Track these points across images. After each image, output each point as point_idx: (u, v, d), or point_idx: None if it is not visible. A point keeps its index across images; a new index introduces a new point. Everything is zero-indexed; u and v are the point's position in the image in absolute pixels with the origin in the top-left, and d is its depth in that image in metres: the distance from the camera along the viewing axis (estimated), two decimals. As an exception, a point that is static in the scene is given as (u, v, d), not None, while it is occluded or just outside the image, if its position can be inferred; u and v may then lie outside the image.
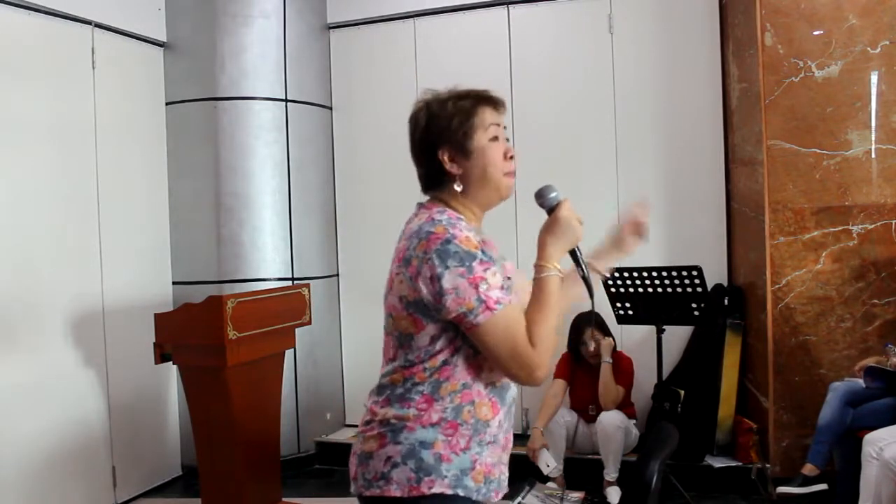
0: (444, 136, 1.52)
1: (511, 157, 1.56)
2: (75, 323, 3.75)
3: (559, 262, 1.50)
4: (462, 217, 1.53)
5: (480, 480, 1.50)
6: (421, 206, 1.57)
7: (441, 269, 1.40)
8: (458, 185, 1.53)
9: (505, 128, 1.57)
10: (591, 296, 1.59)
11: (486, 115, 1.53)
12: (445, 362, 1.47)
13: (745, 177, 4.04)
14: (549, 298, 1.46)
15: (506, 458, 1.60)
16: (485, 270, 1.41)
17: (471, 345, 1.45)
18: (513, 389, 1.58)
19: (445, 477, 1.45)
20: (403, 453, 1.45)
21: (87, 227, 3.88)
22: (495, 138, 1.53)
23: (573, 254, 1.57)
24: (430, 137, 1.53)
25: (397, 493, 1.44)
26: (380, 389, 1.53)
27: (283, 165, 4.48)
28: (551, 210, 1.56)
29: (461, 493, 1.46)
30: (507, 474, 1.61)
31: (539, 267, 1.49)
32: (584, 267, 1.58)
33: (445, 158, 1.52)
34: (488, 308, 1.39)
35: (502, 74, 4.54)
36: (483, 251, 1.44)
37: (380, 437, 1.48)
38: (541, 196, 1.57)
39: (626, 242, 1.77)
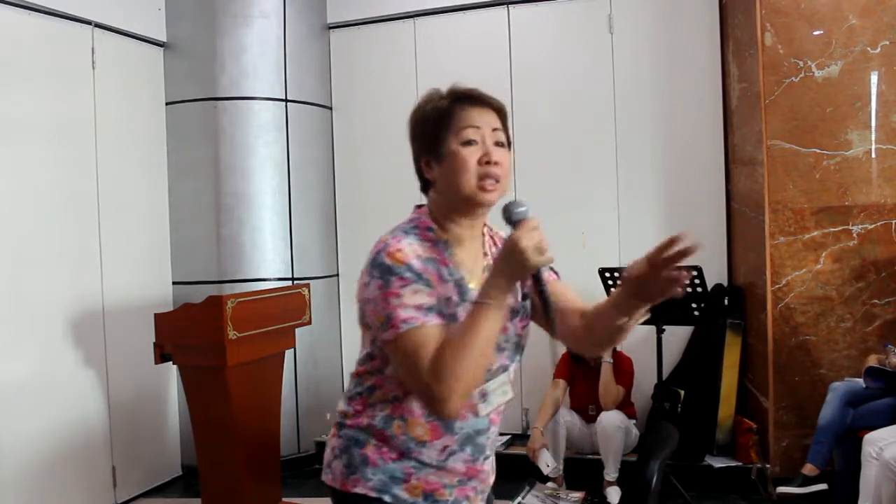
0: (422, 140, 1.45)
1: (489, 162, 1.38)
2: (75, 323, 3.75)
3: (504, 292, 1.31)
4: (433, 227, 1.43)
5: (417, 495, 1.43)
6: (416, 206, 1.54)
7: (368, 278, 1.37)
8: (434, 192, 1.46)
9: (497, 130, 1.42)
10: (553, 333, 1.43)
11: (463, 116, 1.40)
12: (379, 370, 1.44)
13: (745, 177, 4.04)
14: (473, 328, 1.29)
15: (478, 486, 1.51)
16: (402, 287, 1.32)
17: None
18: (481, 421, 1.46)
19: (370, 480, 1.42)
20: (341, 447, 1.47)
21: (87, 227, 3.88)
22: (469, 142, 1.39)
23: (535, 281, 1.38)
24: (414, 142, 1.48)
25: (333, 484, 1.48)
26: (349, 382, 1.55)
27: (283, 165, 4.48)
28: (515, 228, 1.34)
29: (387, 499, 1.42)
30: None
31: (480, 291, 1.33)
32: (546, 299, 1.38)
33: (423, 164, 1.46)
34: (392, 326, 1.32)
35: (502, 74, 4.54)
36: (410, 267, 1.33)
37: (334, 426, 1.52)
38: (506, 211, 1.35)
39: (652, 290, 1.29)
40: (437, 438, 1.43)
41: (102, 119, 3.97)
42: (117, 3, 4.07)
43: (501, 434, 4.41)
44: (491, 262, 1.49)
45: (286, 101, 4.50)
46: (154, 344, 3.36)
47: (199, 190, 4.37)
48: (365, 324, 1.43)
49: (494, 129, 1.42)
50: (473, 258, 1.48)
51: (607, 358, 3.86)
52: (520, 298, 1.52)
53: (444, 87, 1.49)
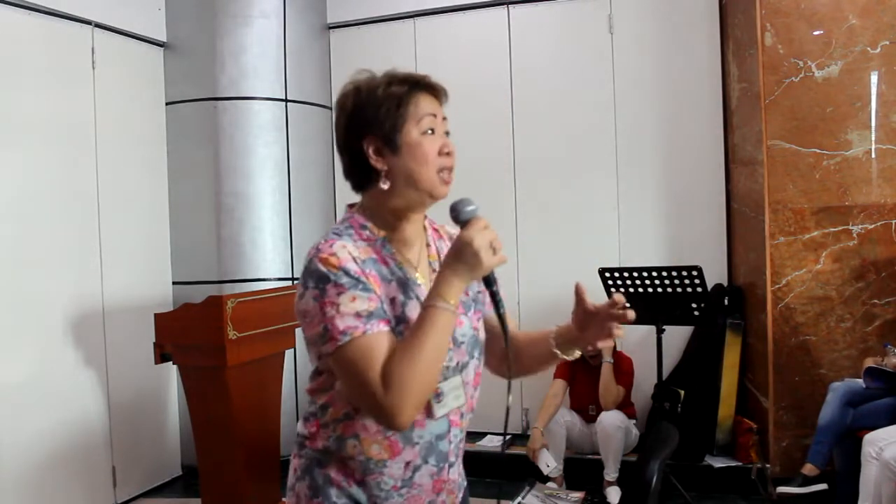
0: (371, 125, 1.31)
1: (448, 153, 1.33)
2: (75, 323, 3.75)
3: (456, 295, 1.24)
4: (367, 224, 1.35)
5: None
6: (348, 206, 1.42)
7: (302, 288, 1.27)
8: (385, 183, 1.31)
9: (445, 119, 1.36)
10: (506, 335, 1.34)
11: (421, 104, 1.32)
12: (330, 386, 1.33)
13: (745, 177, 4.04)
14: (426, 334, 1.21)
15: (447, 499, 1.40)
16: (338, 294, 1.22)
17: None
18: (435, 425, 1.34)
19: (335, 503, 1.32)
20: (302, 468, 1.37)
21: (87, 228, 3.88)
22: (430, 131, 1.32)
23: (487, 283, 1.32)
24: (355, 126, 1.33)
25: None
26: None
27: (283, 165, 4.48)
28: (463, 227, 1.28)
29: None
30: None
31: (429, 295, 1.25)
32: (498, 300, 1.32)
33: (370, 151, 1.31)
34: (332, 338, 1.22)
35: (502, 74, 4.54)
36: (346, 271, 1.24)
37: (296, 446, 1.42)
38: (454, 210, 1.29)
39: (588, 337, 1.39)
40: (398, 454, 1.31)
41: (102, 119, 3.97)
42: (117, 3, 4.07)
43: (502, 434, 4.41)
44: (434, 254, 1.42)
45: (286, 101, 4.51)
46: (154, 344, 3.36)
47: (199, 190, 4.37)
48: (310, 342, 1.31)
49: (444, 118, 1.37)
50: (416, 252, 1.39)
51: (608, 358, 3.86)
52: (470, 293, 1.42)
53: (381, 71, 1.41)
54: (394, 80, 1.36)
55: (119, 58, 4.11)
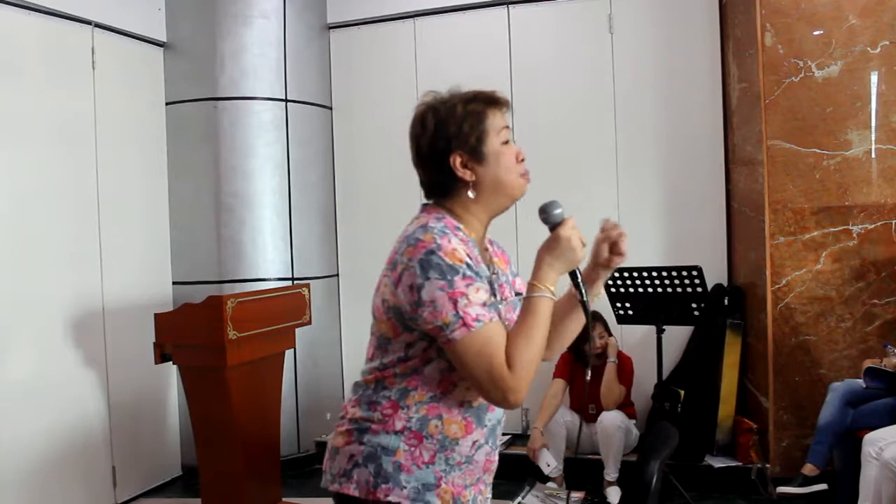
0: (456, 141, 1.45)
1: (523, 160, 1.51)
2: (75, 323, 3.75)
3: (554, 285, 1.42)
4: (460, 226, 1.47)
5: (448, 501, 1.44)
6: (424, 207, 1.53)
7: (421, 279, 1.35)
8: (472, 192, 1.47)
9: (511, 129, 1.54)
10: (588, 321, 1.52)
11: (497, 118, 1.48)
12: (416, 371, 1.43)
13: (745, 177, 4.04)
14: (536, 321, 1.38)
15: (487, 479, 1.54)
16: (467, 286, 1.35)
17: (446, 359, 1.39)
18: (497, 412, 1.50)
19: (404, 488, 1.41)
20: (365, 455, 1.43)
21: (87, 227, 3.88)
22: (507, 142, 1.48)
23: (573, 276, 1.49)
24: (439, 143, 1.46)
25: (355, 493, 1.43)
26: (355, 388, 1.51)
27: (283, 165, 4.48)
28: (554, 227, 1.47)
29: None
30: (487, 496, 1.55)
31: (531, 286, 1.42)
32: (583, 291, 1.49)
33: (458, 164, 1.45)
34: (465, 325, 1.33)
35: (502, 74, 4.54)
36: (469, 265, 1.37)
37: (347, 434, 1.47)
38: (544, 212, 1.48)
39: (605, 258, 1.56)
40: (470, 433, 1.45)
41: (102, 119, 3.97)
42: (117, 3, 4.07)
43: (502, 434, 4.41)
44: (490, 258, 1.57)
45: (286, 101, 4.51)
46: (154, 344, 3.36)
47: (199, 190, 4.37)
48: (400, 329, 1.41)
49: (511, 129, 1.53)
50: (484, 254, 1.54)
51: (613, 357, 3.86)
52: (514, 293, 1.58)
53: (444, 90, 1.52)
54: (469, 97, 1.49)
55: (119, 58, 4.11)
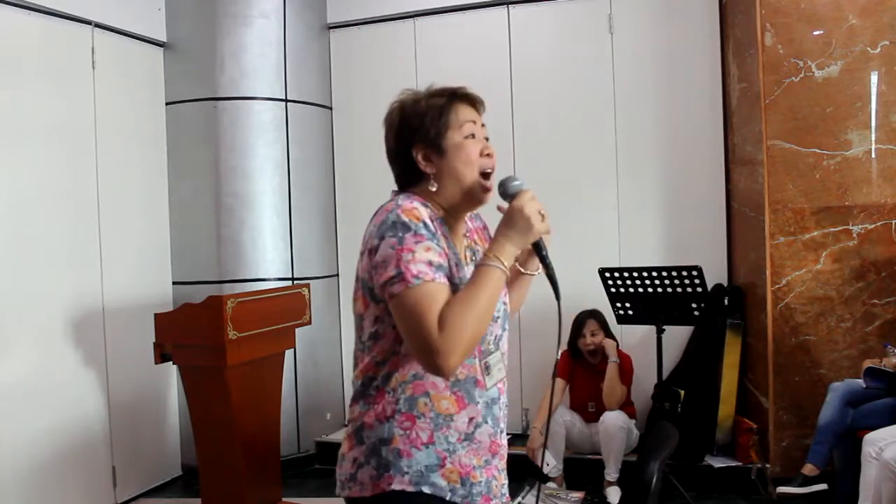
0: (418, 134, 1.47)
1: (489, 155, 1.49)
2: (75, 323, 3.76)
3: (509, 258, 1.40)
4: (428, 204, 1.47)
5: (455, 481, 1.42)
6: (393, 192, 1.55)
7: (377, 239, 1.38)
8: (433, 185, 1.48)
9: (484, 126, 1.53)
10: (558, 295, 1.49)
11: (461, 112, 1.49)
12: (393, 352, 1.42)
13: (745, 177, 4.04)
14: (480, 289, 1.35)
15: (499, 464, 1.52)
16: (416, 243, 1.35)
17: None
18: (492, 391, 1.48)
19: (406, 473, 1.40)
20: (366, 453, 1.43)
21: (87, 227, 3.88)
22: (471, 136, 1.48)
23: (536, 248, 1.49)
24: (403, 136, 1.49)
25: (362, 493, 1.43)
26: (353, 386, 1.51)
27: (283, 165, 4.48)
28: (512, 199, 1.45)
29: (426, 489, 1.40)
30: (503, 482, 1.53)
31: (484, 256, 1.41)
32: (548, 263, 1.50)
33: (419, 157, 1.48)
34: (403, 279, 1.33)
35: (502, 74, 4.54)
36: (426, 225, 1.37)
37: (349, 438, 1.47)
38: (502, 185, 1.49)
39: None
40: (463, 408, 1.44)
41: (102, 119, 3.97)
42: (117, 3, 4.07)
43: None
44: (471, 242, 1.58)
45: (286, 101, 4.51)
46: (154, 344, 3.36)
47: (199, 190, 4.37)
48: (367, 300, 1.42)
49: (483, 125, 1.53)
50: (459, 244, 1.54)
51: (614, 357, 3.85)
52: None
53: (426, 88, 1.54)
54: (434, 92, 1.52)
55: (119, 58, 4.11)
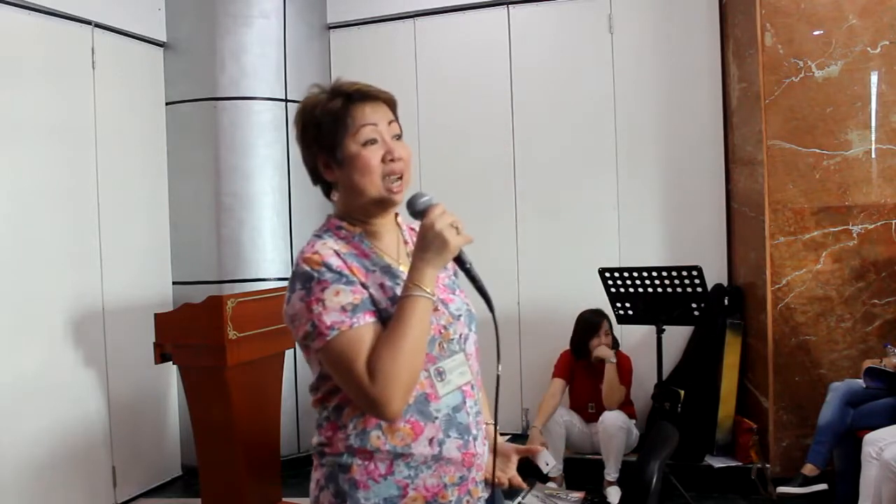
0: (316, 144, 1.39)
1: (394, 160, 1.36)
2: (75, 323, 3.75)
3: (430, 283, 1.29)
4: (343, 224, 1.41)
5: None
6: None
7: (289, 293, 1.32)
8: (335, 195, 1.42)
9: (393, 123, 1.39)
10: (490, 305, 1.34)
11: (358, 116, 1.36)
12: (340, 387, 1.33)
13: (745, 177, 4.04)
14: (405, 324, 1.26)
15: (476, 476, 1.40)
16: (322, 290, 1.27)
17: None
18: (448, 398, 1.36)
19: None
20: (326, 476, 1.35)
21: (87, 227, 3.88)
22: (371, 141, 1.36)
23: (459, 262, 1.37)
24: (305, 146, 1.42)
25: None
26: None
27: (283, 165, 4.48)
28: (422, 217, 1.33)
29: None
30: (479, 495, 1.42)
31: (404, 287, 1.30)
32: (475, 275, 1.37)
33: (321, 166, 1.40)
34: (320, 334, 1.26)
35: (502, 74, 4.54)
36: (328, 266, 1.29)
37: (314, 456, 1.40)
38: (410, 205, 1.35)
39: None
40: (421, 433, 1.32)
41: (102, 119, 3.97)
42: (117, 3, 4.07)
43: (501, 434, 4.41)
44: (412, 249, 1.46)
45: (286, 101, 4.50)
46: (154, 344, 3.36)
47: (199, 190, 4.37)
48: (303, 344, 1.34)
49: (390, 122, 1.40)
50: (394, 246, 1.44)
51: (611, 358, 3.85)
52: (448, 277, 1.49)
53: (327, 82, 1.44)
54: (332, 94, 1.39)
55: (119, 58, 4.11)
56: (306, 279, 1.29)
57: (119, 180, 4.06)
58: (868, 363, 3.35)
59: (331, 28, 4.91)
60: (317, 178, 1.45)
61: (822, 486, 3.32)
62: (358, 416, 1.33)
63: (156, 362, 3.39)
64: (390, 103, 1.42)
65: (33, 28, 3.61)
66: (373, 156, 1.36)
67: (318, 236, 1.39)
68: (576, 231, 4.39)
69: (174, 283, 4.43)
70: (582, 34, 4.47)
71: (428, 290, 1.28)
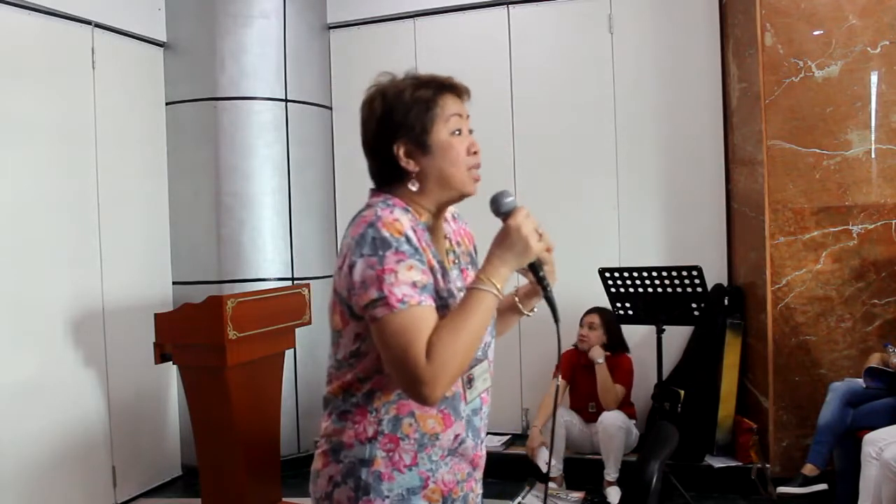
0: (401, 129, 1.35)
1: (475, 153, 1.39)
2: (75, 323, 3.75)
3: (502, 281, 1.30)
4: (409, 208, 1.36)
5: (437, 500, 1.36)
6: (372, 192, 1.43)
7: (355, 257, 1.27)
8: (414, 185, 1.37)
9: (468, 118, 1.41)
10: (556, 318, 1.40)
11: (448, 105, 1.36)
12: (377, 370, 1.33)
13: (745, 177, 4.04)
14: (470, 314, 1.26)
15: (477, 475, 1.46)
16: (398, 262, 1.25)
17: None
18: (475, 402, 1.41)
19: (386, 497, 1.32)
20: (343, 472, 1.34)
21: (87, 227, 3.88)
22: (458, 131, 1.37)
23: (533, 270, 1.39)
24: (384, 130, 1.36)
25: None
26: (325, 402, 1.42)
27: (283, 165, 4.48)
28: (506, 218, 1.35)
29: None
30: (479, 493, 1.48)
31: (477, 279, 1.30)
32: (546, 285, 1.40)
33: (401, 154, 1.35)
34: (388, 304, 1.23)
35: (502, 74, 4.54)
36: (408, 239, 1.27)
37: (324, 455, 1.39)
38: (495, 202, 1.37)
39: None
40: (450, 426, 1.36)
41: (102, 119, 3.97)
42: (117, 3, 4.07)
43: (502, 434, 4.42)
44: (450, 244, 1.48)
45: (286, 101, 4.50)
46: (154, 344, 3.36)
47: (199, 190, 4.37)
48: (347, 316, 1.33)
49: (468, 117, 1.41)
50: (442, 245, 1.45)
51: (599, 359, 3.84)
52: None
53: (402, 73, 1.44)
54: (420, 82, 1.39)
55: (119, 58, 4.11)
56: (383, 245, 1.25)
57: (119, 180, 4.06)
58: (874, 359, 3.34)
59: (331, 28, 4.91)
60: (388, 164, 1.38)
61: (822, 486, 3.32)
62: (391, 402, 1.33)
63: (156, 362, 3.39)
64: (467, 98, 1.43)
65: (33, 28, 3.61)
66: (461, 146, 1.37)
67: (386, 204, 1.32)
68: (576, 231, 4.39)
69: (174, 283, 4.43)
70: (582, 34, 4.47)
71: (498, 287, 1.29)
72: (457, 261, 1.47)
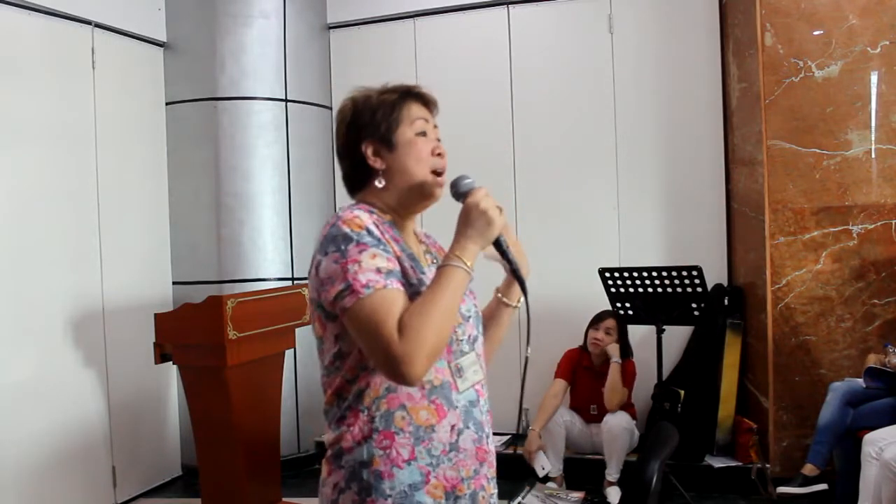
0: (368, 129, 1.43)
1: (440, 155, 1.44)
2: (75, 323, 3.75)
3: (471, 258, 1.34)
4: (374, 210, 1.42)
5: (440, 496, 1.35)
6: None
7: (320, 256, 1.33)
8: (380, 182, 1.43)
9: (436, 127, 1.48)
10: (524, 290, 1.46)
11: (413, 109, 1.44)
12: (362, 367, 1.34)
13: (745, 177, 4.04)
14: (441, 289, 1.29)
15: (488, 473, 1.45)
16: (360, 252, 1.29)
17: None
18: (468, 393, 1.41)
19: (389, 496, 1.32)
20: (346, 477, 1.35)
21: (87, 227, 3.88)
22: (422, 133, 1.43)
23: (497, 246, 1.43)
24: (353, 132, 1.44)
25: None
26: (325, 414, 1.45)
27: (283, 165, 4.48)
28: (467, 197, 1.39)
29: None
30: (492, 492, 1.46)
31: (445, 256, 1.35)
32: (511, 259, 1.45)
33: (368, 152, 1.43)
34: (353, 291, 1.27)
35: (502, 74, 4.54)
36: (369, 231, 1.32)
37: (327, 462, 1.40)
38: (454, 186, 1.42)
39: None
40: (444, 417, 1.36)
41: (102, 119, 3.97)
42: (117, 3, 4.07)
43: (501, 434, 4.42)
44: (430, 248, 1.54)
45: (286, 101, 4.50)
46: (154, 344, 3.36)
47: (199, 190, 4.37)
48: (324, 320, 1.37)
49: (435, 127, 1.48)
50: (414, 245, 1.48)
51: (616, 358, 3.84)
52: None
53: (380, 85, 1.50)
54: (387, 89, 1.47)
55: (119, 58, 4.11)
56: (345, 240, 1.31)
57: (119, 180, 4.06)
58: (873, 359, 3.34)
59: (331, 28, 4.91)
60: (357, 165, 1.46)
61: (822, 486, 3.32)
62: (380, 398, 1.35)
63: (156, 362, 3.39)
64: (434, 107, 1.49)
65: (33, 28, 3.61)
66: (425, 145, 1.43)
67: (350, 208, 1.39)
68: (576, 231, 4.39)
69: (174, 283, 4.43)
70: (582, 34, 4.47)
71: (468, 264, 1.32)
72: (435, 261, 1.51)
